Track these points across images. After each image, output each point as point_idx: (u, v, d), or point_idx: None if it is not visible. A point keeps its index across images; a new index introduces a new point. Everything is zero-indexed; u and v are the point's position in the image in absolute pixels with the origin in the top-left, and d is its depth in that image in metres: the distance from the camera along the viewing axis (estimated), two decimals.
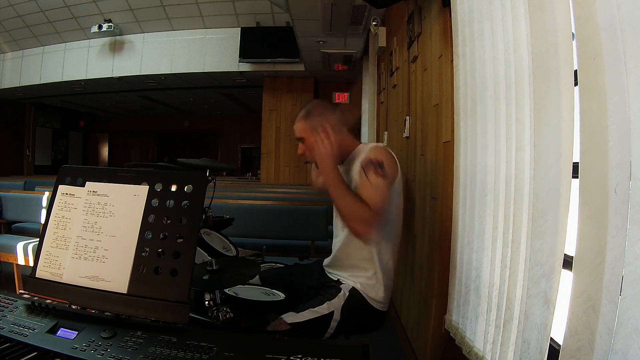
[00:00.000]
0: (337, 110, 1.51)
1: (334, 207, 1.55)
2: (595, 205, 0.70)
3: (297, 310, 1.31)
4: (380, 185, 1.30)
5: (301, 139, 1.48)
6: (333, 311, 1.33)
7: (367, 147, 1.43)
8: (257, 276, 1.57)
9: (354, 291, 1.39)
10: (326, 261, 1.56)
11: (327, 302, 1.34)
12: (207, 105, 10.55)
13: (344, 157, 1.49)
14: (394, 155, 1.41)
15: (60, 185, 0.99)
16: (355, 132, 5.31)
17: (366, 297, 1.39)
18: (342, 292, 1.38)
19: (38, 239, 0.98)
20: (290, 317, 1.28)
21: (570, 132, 0.81)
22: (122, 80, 7.13)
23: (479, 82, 1.29)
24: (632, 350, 0.64)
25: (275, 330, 1.25)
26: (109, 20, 6.36)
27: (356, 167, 1.40)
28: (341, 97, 7.12)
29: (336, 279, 1.46)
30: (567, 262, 0.82)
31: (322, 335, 1.31)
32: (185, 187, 0.91)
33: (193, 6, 6.04)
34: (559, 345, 0.79)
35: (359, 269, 1.41)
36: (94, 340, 0.78)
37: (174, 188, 0.92)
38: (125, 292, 0.86)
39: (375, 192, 1.29)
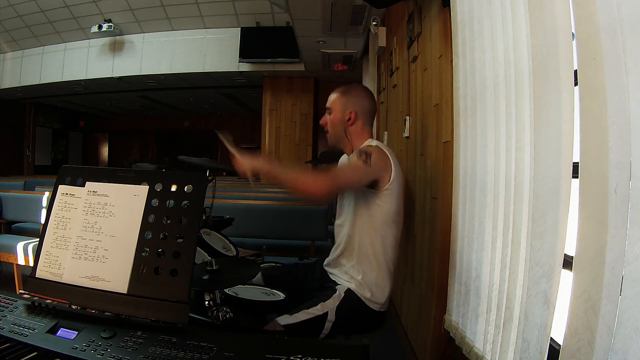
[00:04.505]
0: (373, 101, 1.56)
1: (337, 209, 1.55)
2: (595, 205, 0.70)
3: (292, 312, 1.31)
4: (357, 166, 1.33)
5: (329, 109, 1.53)
6: (327, 312, 1.33)
7: (368, 142, 1.49)
8: (260, 273, 1.57)
9: (349, 292, 1.38)
10: (326, 260, 1.56)
11: (321, 303, 1.34)
12: (207, 105, 10.55)
13: (354, 149, 1.51)
14: (388, 155, 1.40)
15: (60, 185, 0.99)
16: None
17: (362, 298, 1.38)
18: (337, 293, 1.38)
19: (38, 239, 0.98)
20: (285, 320, 1.28)
21: (570, 132, 0.81)
22: (122, 80, 7.12)
23: (479, 82, 1.29)
24: (632, 350, 0.64)
25: (274, 330, 1.25)
26: (109, 20, 6.35)
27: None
28: None
29: (333, 280, 1.46)
30: (567, 262, 0.82)
31: (316, 336, 1.31)
32: (185, 187, 0.91)
33: (193, 6, 6.04)
34: (559, 345, 0.79)
35: (358, 269, 1.41)
36: (94, 340, 0.78)
37: (174, 188, 0.92)
38: (125, 292, 0.86)
39: (349, 168, 1.33)
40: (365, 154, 1.34)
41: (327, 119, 1.52)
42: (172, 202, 0.91)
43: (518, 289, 0.99)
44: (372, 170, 1.34)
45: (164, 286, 0.84)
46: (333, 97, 1.52)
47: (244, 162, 1.29)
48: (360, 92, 1.53)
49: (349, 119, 1.48)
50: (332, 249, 1.53)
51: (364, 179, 1.34)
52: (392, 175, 1.38)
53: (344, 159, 1.61)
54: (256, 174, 1.30)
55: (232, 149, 1.33)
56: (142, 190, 0.93)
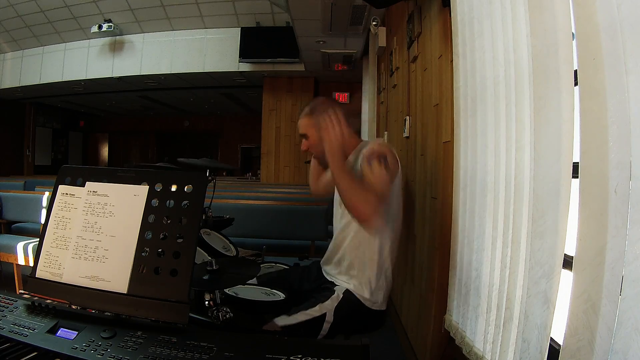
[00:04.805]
0: (341, 108, 1.52)
1: (334, 207, 1.55)
2: (595, 205, 0.70)
3: (290, 313, 1.31)
4: (382, 174, 1.32)
5: (304, 135, 1.50)
6: (325, 313, 1.33)
7: (370, 141, 1.47)
8: (255, 279, 1.57)
9: (347, 293, 1.38)
10: (324, 260, 1.55)
11: (320, 304, 1.34)
12: (207, 105, 10.55)
13: (347, 155, 1.49)
14: (395, 153, 1.41)
15: (60, 185, 0.99)
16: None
17: (361, 298, 1.38)
18: (335, 294, 1.38)
19: (38, 239, 0.98)
20: (283, 321, 1.28)
21: (570, 132, 0.81)
22: (122, 80, 7.12)
23: (479, 82, 1.29)
24: (632, 350, 0.64)
25: (274, 330, 1.25)
26: (109, 20, 6.35)
27: (360, 160, 1.41)
28: (341, 97, 7.11)
29: (331, 281, 1.46)
30: (567, 262, 0.82)
31: (314, 337, 1.31)
32: (185, 187, 0.91)
33: (193, 6, 6.04)
34: (559, 345, 0.79)
35: (358, 268, 1.40)
36: (94, 340, 0.78)
37: (174, 188, 0.92)
38: (125, 292, 0.86)
39: (378, 179, 1.31)
40: (384, 159, 1.33)
41: (307, 144, 1.50)
42: (172, 202, 0.91)
43: (518, 289, 0.99)
44: (392, 173, 1.35)
45: (164, 286, 0.84)
46: (303, 122, 1.50)
47: (334, 138, 1.31)
48: (326, 106, 1.49)
49: None
50: (329, 248, 1.53)
51: (389, 184, 1.35)
52: (398, 171, 1.40)
53: (359, 162, 1.57)
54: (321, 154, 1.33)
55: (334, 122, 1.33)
56: (142, 190, 0.93)
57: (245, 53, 6.28)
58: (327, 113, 1.40)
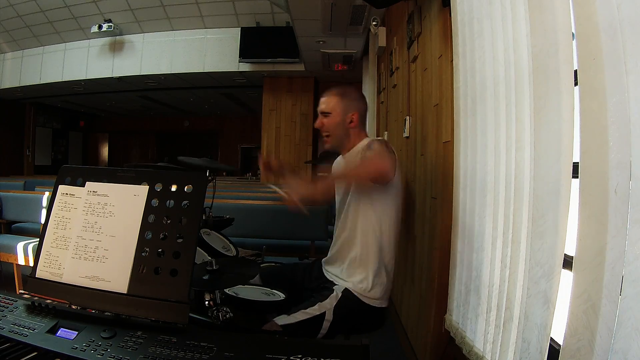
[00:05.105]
0: (366, 102, 1.58)
1: (336, 207, 1.56)
2: (595, 205, 0.70)
3: (289, 312, 1.32)
4: (383, 151, 1.34)
5: (327, 113, 1.50)
6: (325, 312, 1.34)
7: (371, 139, 1.49)
8: (259, 275, 1.58)
9: (347, 292, 1.39)
10: (325, 258, 1.56)
11: (319, 303, 1.35)
12: (207, 105, 10.55)
13: (351, 147, 1.53)
14: (393, 149, 1.43)
15: (60, 185, 0.99)
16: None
17: (360, 296, 1.39)
18: (334, 293, 1.38)
19: (38, 239, 0.98)
20: (282, 320, 1.29)
21: (570, 132, 0.81)
22: (122, 80, 7.12)
23: (479, 82, 1.29)
24: (632, 350, 0.64)
25: (272, 330, 1.25)
26: (109, 20, 6.35)
27: (361, 153, 1.44)
28: None
29: (331, 280, 1.47)
30: (567, 262, 0.82)
31: (314, 336, 1.32)
32: (185, 187, 0.91)
33: (193, 6, 6.04)
34: (559, 345, 0.79)
35: (359, 265, 1.41)
36: (94, 340, 0.78)
37: (174, 188, 0.92)
38: (125, 292, 0.86)
39: (380, 155, 1.32)
40: (385, 143, 1.37)
41: (322, 121, 1.51)
42: (172, 202, 0.91)
43: (518, 289, 0.99)
44: (390, 149, 1.37)
45: (164, 286, 0.84)
46: (331, 100, 1.50)
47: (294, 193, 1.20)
48: (358, 95, 1.55)
49: (351, 121, 1.49)
50: (331, 246, 1.54)
51: (392, 159, 1.35)
52: (396, 166, 1.40)
53: (340, 160, 1.61)
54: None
55: (281, 192, 1.23)
56: (142, 190, 0.93)
57: (245, 53, 6.28)
58: (348, 113, 1.48)
